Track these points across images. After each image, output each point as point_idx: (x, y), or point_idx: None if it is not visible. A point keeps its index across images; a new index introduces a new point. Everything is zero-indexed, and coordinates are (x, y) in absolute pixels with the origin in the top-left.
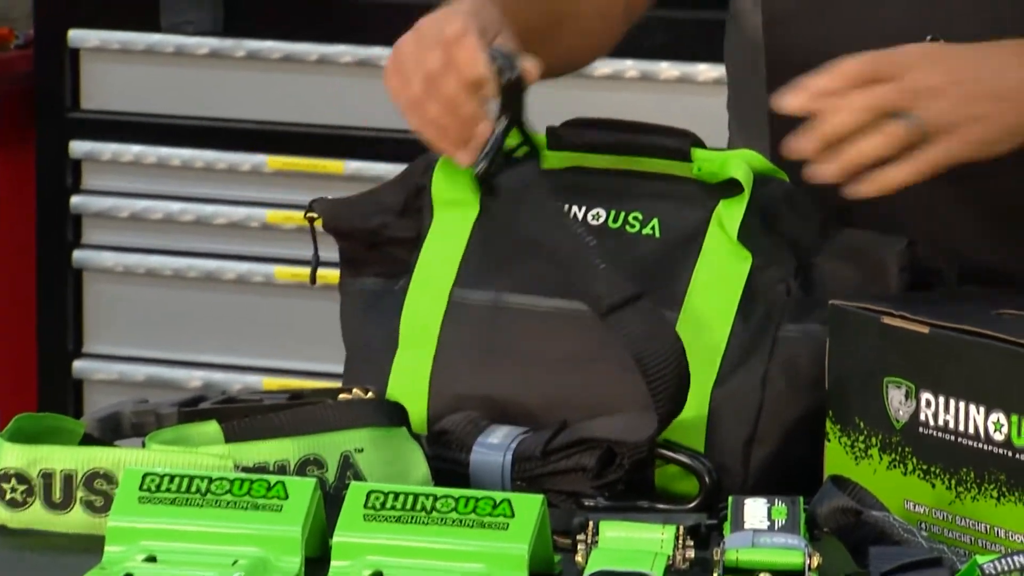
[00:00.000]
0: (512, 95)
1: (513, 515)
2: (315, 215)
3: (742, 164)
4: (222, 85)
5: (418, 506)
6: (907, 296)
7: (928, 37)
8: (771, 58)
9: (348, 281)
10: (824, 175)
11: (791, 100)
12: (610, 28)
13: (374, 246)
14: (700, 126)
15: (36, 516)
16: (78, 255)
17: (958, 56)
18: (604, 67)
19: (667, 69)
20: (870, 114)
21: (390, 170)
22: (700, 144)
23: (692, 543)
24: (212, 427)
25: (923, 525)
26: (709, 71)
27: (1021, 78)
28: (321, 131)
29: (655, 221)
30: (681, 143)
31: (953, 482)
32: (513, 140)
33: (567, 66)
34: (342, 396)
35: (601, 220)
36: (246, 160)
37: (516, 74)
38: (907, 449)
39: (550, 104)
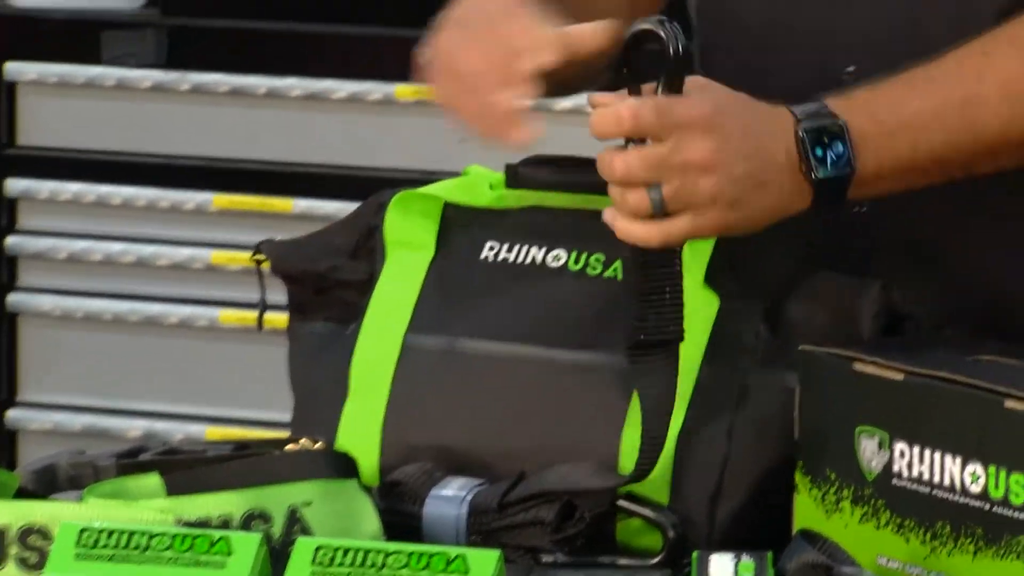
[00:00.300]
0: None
1: (468, 571)
2: (262, 257)
3: None
4: (165, 120)
5: (368, 562)
6: (880, 341)
7: (849, 68)
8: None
9: (297, 326)
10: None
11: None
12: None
13: (324, 290)
14: None
15: None
16: (13, 298)
17: (738, 123)
18: (566, 100)
19: None
20: (628, 178)
21: (341, 208)
22: None
23: None
24: (153, 480)
25: None
26: None
27: (788, 150)
28: (269, 168)
29: (617, 263)
30: None
31: (928, 536)
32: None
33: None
34: (289, 447)
35: (562, 262)
36: (190, 198)
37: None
38: (880, 502)
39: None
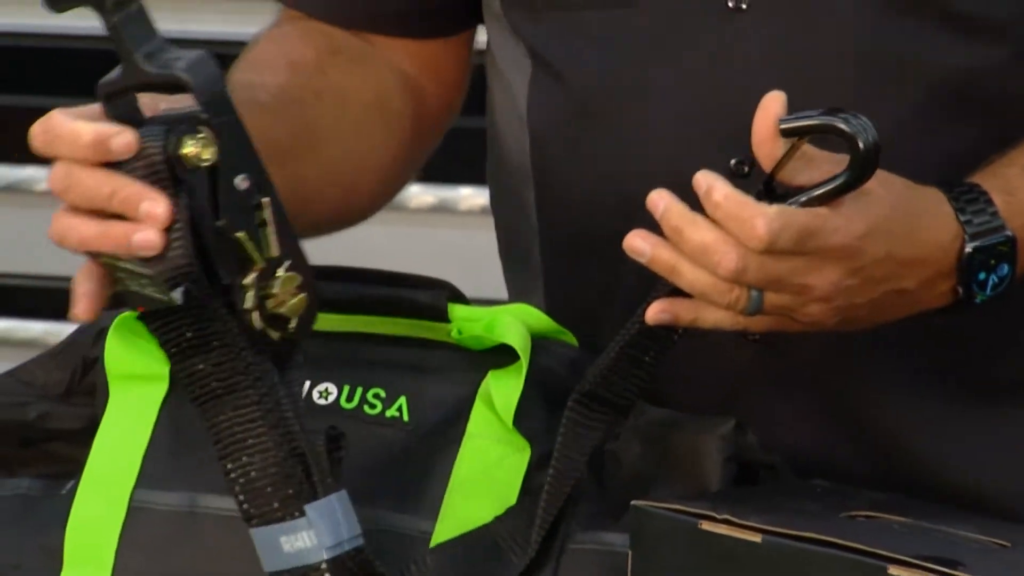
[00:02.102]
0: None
1: None
2: None
3: (515, 325)
4: None
5: None
6: (732, 493)
7: (732, 161)
8: (541, 192)
9: None
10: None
11: (648, 246)
12: (391, 142)
13: (32, 442)
14: (464, 269)
15: None
16: None
17: (884, 246)
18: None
19: (418, 195)
20: (737, 279)
21: (50, 332)
22: (460, 298)
23: None
24: None
25: None
26: (474, 196)
27: (942, 271)
28: None
29: (402, 400)
30: (434, 298)
31: None
32: None
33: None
34: None
35: (331, 398)
36: None
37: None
38: None
39: None
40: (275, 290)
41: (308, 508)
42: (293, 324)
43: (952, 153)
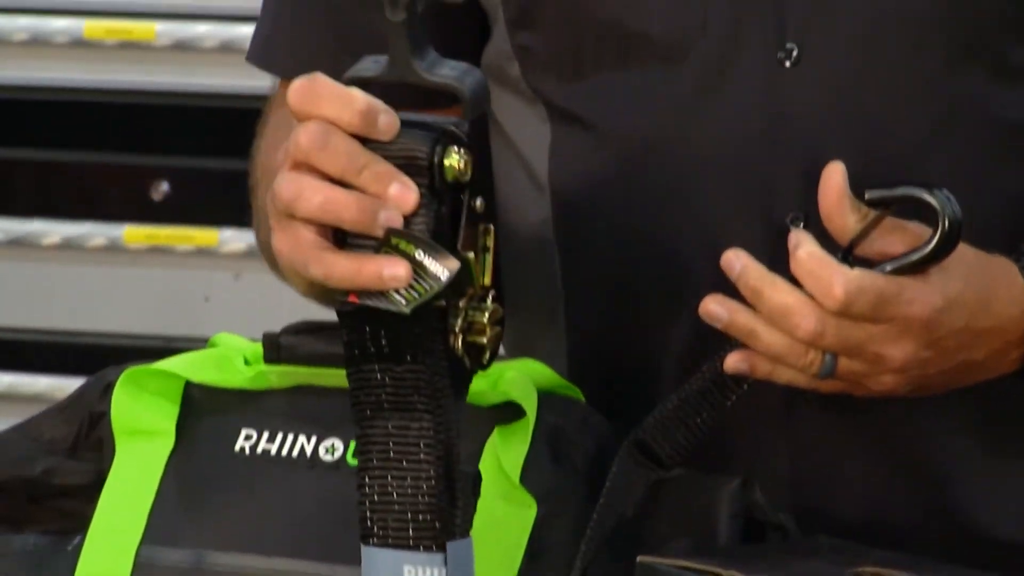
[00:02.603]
0: None
1: None
2: None
3: (522, 381)
4: None
5: None
6: (739, 549)
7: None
8: (568, 257)
9: (3, 540)
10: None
11: (725, 311)
12: None
13: (38, 498)
14: None
15: None
16: None
17: (962, 319)
18: None
19: None
20: (813, 343)
21: (56, 386)
22: None
23: None
24: None
25: None
26: None
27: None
28: None
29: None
30: None
31: None
32: None
33: None
34: None
35: (338, 454)
36: None
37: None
38: None
39: (259, 298)
40: (482, 318)
41: (451, 545)
42: (487, 357)
43: (1011, 197)
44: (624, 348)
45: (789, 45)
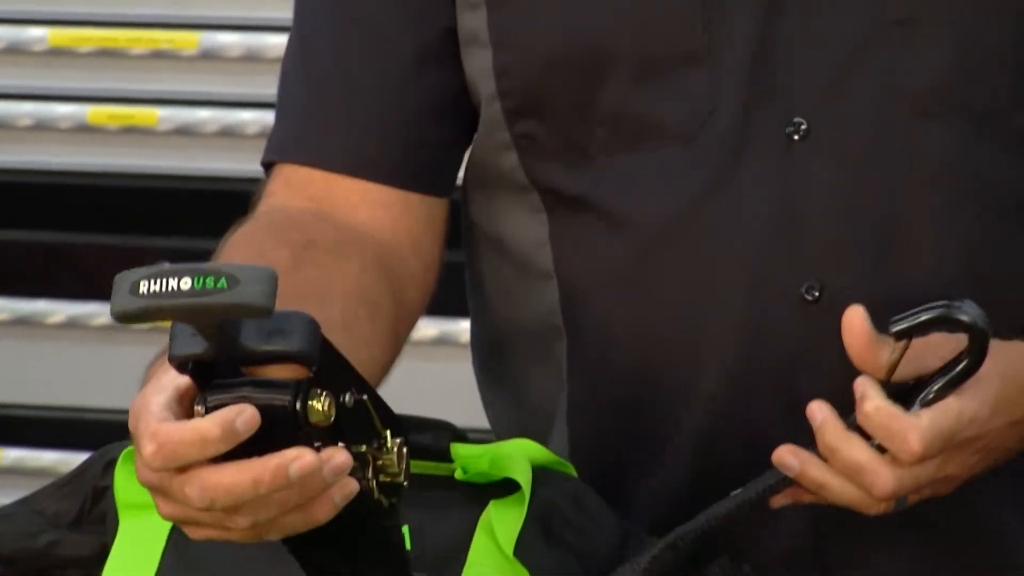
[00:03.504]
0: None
1: None
2: None
3: (518, 458)
4: None
5: None
6: None
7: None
8: (576, 345)
9: None
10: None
11: (797, 463)
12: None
13: (43, 570)
14: (467, 401)
15: None
16: None
17: (1007, 418)
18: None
19: (420, 328)
20: (892, 496)
21: (62, 461)
22: (461, 437)
23: None
24: None
25: None
26: None
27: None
28: None
29: (404, 531)
30: (436, 439)
31: None
32: None
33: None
34: None
35: None
36: None
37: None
38: None
39: None
40: (390, 461)
41: None
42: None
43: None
44: (630, 433)
45: (798, 120)
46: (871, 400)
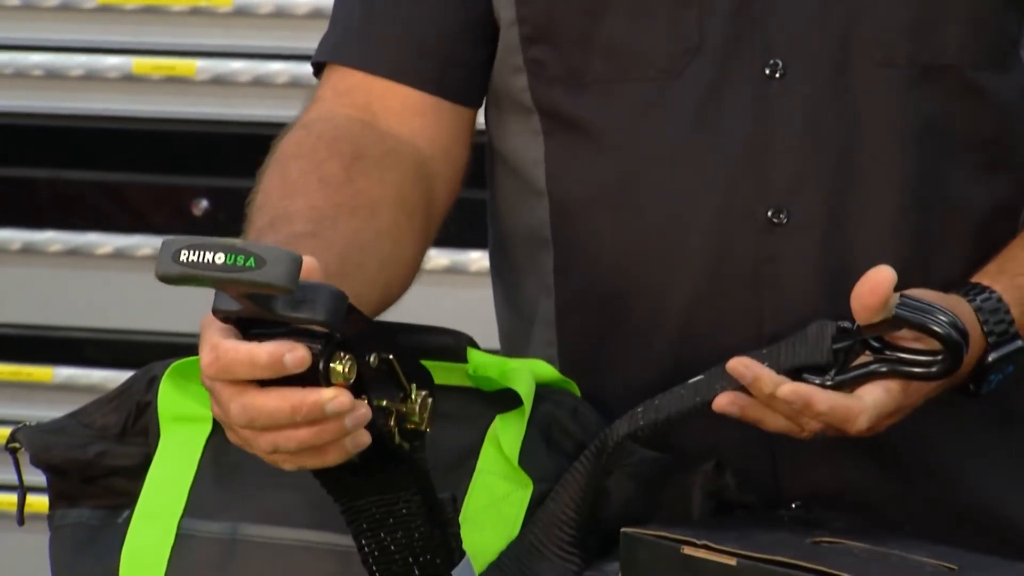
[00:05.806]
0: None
1: None
2: (18, 446)
3: (524, 373)
4: None
5: None
6: (711, 522)
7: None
8: (562, 256)
9: (60, 514)
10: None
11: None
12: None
13: (92, 478)
14: (475, 325)
15: None
16: None
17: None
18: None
19: (434, 257)
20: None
21: (108, 378)
22: (475, 347)
23: None
24: None
25: None
26: (483, 259)
27: (962, 375)
28: (24, 332)
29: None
30: (456, 339)
31: None
32: None
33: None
34: None
35: None
36: None
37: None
38: None
39: None
40: (412, 411)
41: (455, 571)
42: (425, 428)
43: (977, 208)
44: (611, 337)
45: (774, 61)
46: (822, 401)
